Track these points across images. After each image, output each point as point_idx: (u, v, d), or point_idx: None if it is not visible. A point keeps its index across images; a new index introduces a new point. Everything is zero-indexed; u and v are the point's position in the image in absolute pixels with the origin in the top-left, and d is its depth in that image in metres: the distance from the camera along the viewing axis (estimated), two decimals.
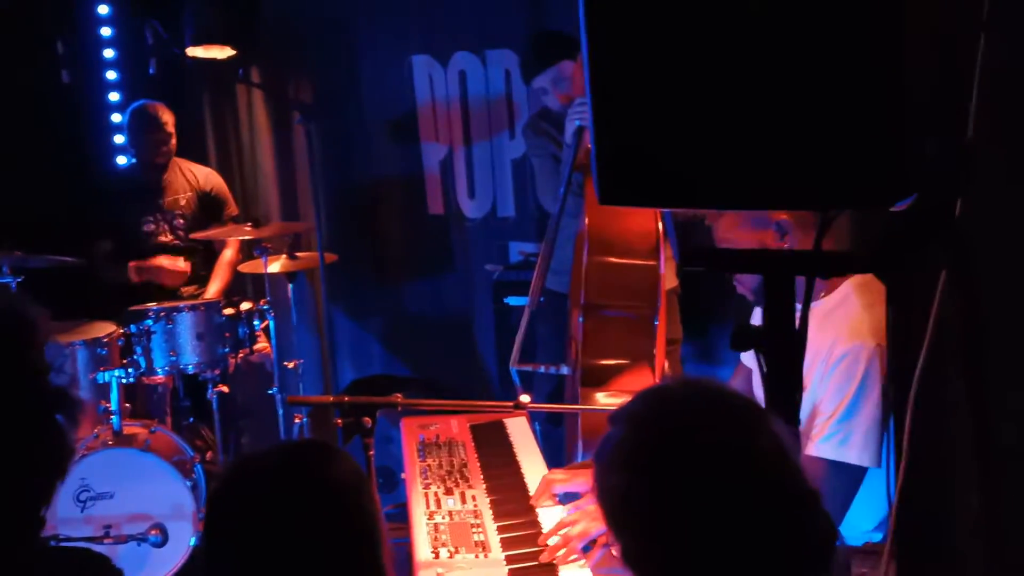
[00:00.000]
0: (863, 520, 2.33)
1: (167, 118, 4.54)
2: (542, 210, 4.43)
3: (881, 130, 1.37)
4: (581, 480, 2.39)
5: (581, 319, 3.00)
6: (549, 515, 2.34)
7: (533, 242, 4.69)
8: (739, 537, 1.21)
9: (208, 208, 4.70)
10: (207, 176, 4.76)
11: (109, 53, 5.15)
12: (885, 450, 2.28)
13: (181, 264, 4.51)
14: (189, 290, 4.67)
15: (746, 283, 2.39)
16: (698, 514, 1.22)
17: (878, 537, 2.33)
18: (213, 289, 4.59)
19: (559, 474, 2.46)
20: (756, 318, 2.52)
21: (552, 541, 2.17)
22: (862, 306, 2.23)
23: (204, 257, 4.76)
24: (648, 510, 1.25)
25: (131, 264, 4.50)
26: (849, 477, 2.17)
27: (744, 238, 2.28)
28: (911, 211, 1.43)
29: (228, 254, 4.69)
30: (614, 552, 1.31)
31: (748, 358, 2.68)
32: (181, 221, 4.61)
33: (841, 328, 2.21)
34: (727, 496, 1.22)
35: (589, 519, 2.18)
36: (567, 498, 2.39)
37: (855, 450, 2.16)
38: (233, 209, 4.80)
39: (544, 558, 2.14)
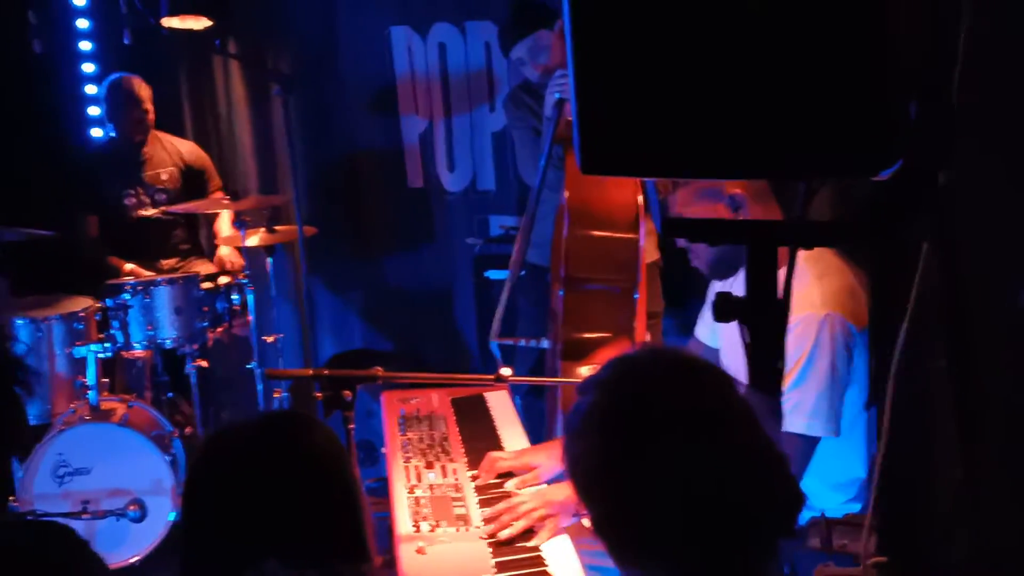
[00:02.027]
0: (838, 492, 2.34)
1: (144, 93, 4.48)
2: (522, 183, 4.41)
3: (866, 98, 1.36)
4: (527, 459, 2.40)
5: (561, 292, 2.99)
6: (528, 491, 2.33)
7: (514, 215, 4.67)
8: (708, 501, 1.21)
9: (192, 182, 4.65)
10: (190, 150, 4.72)
11: (83, 23, 5.06)
12: (865, 422, 2.29)
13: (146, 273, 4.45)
14: (169, 263, 4.63)
15: (701, 256, 2.39)
16: (667, 479, 1.22)
17: (855, 508, 2.34)
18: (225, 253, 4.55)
19: (503, 454, 2.45)
20: (712, 293, 2.53)
21: (507, 517, 2.17)
22: (813, 276, 2.24)
23: (185, 230, 4.72)
24: (618, 476, 1.25)
25: (111, 259, 4.46)
26: (798, 446, 2.18)
27: (698, 212, 2.27)
28: (894, 180, 1.42)
29: (226, 229, 4.62)
30: (585, 523, 1.31)
31: (704, 334, 2.68)
32: (163, 196, 4.56)
33: (792, 298, 2.21)
34: (696, 461, 1.22)
35: (538, 501, 2.18)
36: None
37: (803, 418, 2.17)
38: (217, 182, 4.75)
39: (490, 528, 2.15)
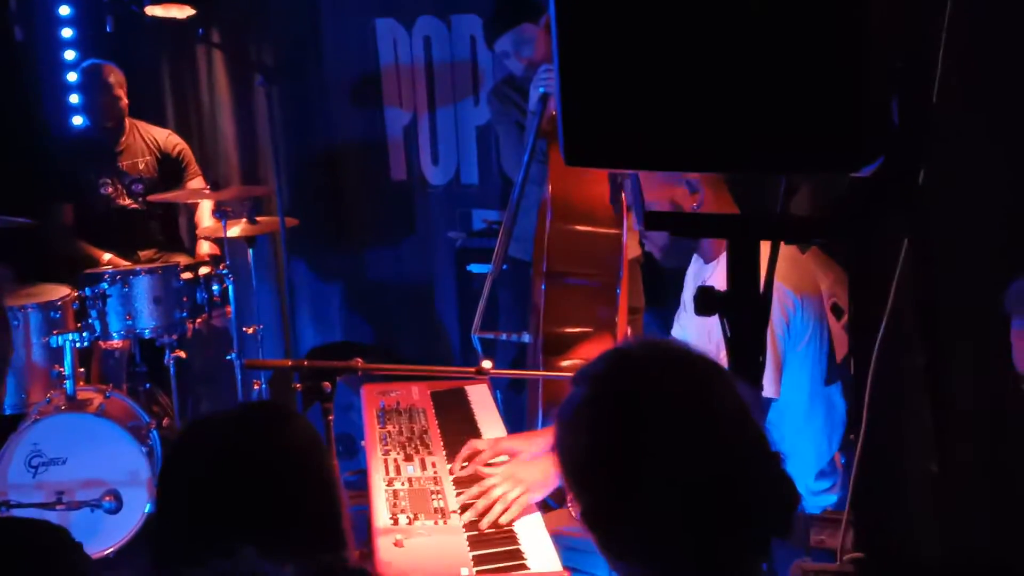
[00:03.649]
0: (802, 475, 2.35)
1: (114, 79, 4.44)
2: (506, 177, 4.41)
3: (846, 95, 1.37)
4: (505, 446, 2.40)
5: (543, 287, 2.99)
6: (496, 469, 2.33)
7: (496, 210, 4.67)
8: (703, 497, 1.20)
9: (169, 171, 4.62)
10: (167, 138, 4.68)
11: (64, 10, 5.02)
12: (832, 411, 2.31)
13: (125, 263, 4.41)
14: (147, 254, 4.59)
15: (656, 241, 2.42)
16: (657, 474, 1.21)
17: (831, 500, 2.35)
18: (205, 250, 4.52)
19: (482, 442, 2.45)
20: (686, 292, 2.54)
21: (482, 504, 2.18)
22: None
23: (163, 221, 4.69)
24: (611, 469, 1.23)
25: (81, 244, 4.44)
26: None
27: (656, 195, 2.30)
28: (875, 177, 1.42)
29: (206, 219, 4.58)
30: (573, 514, 1.30)
31: (678, 333, 2.69)
32: (140, 186, 4.53)
33: None
34: (692, 455, 1.20)
35: (510, 482, 2.19)
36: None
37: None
38: (195, 169, 4.71)
39: (469, 516, 2.15)
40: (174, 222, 4.83)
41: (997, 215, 1.77)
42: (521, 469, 2.26)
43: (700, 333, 2.33)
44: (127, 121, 4.55)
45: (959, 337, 1.87)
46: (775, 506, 1.23)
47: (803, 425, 2.29)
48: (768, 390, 2.21)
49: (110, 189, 4.49)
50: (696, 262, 2.49)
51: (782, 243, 2.28)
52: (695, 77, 1.39)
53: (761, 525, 1.23)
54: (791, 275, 2.26)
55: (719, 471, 1.20)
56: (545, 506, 2.31)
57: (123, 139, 4.53)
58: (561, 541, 2.10)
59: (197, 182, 4.64)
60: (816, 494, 2.39)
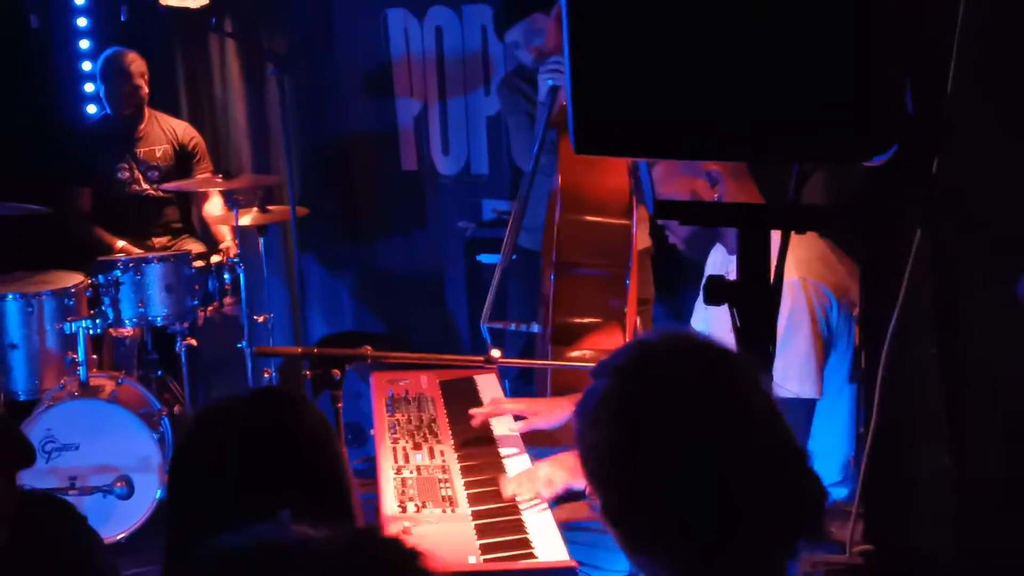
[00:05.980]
0: (825, 473, 2.35)
1: (136, 68, 4.46)
2: (516, 168, 4.41)
3: (859, 84, 1.36)
4: (525, 407, 2.46)
5: (553, 277, 3.00)
6: (517, 469, 2.34)
7: (506, 200, 4.66)
8: (729, 495, 1.16)
9: (184, 162, 4.64)
10: (185, 130, 4.71)
11: None
12: (854, 409, 2.30)
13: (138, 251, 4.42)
14: (161, 241, 4.62)
15: (678, 233, 2.40)
16: (687, 470, 1.17)
17: (843, 492, 2.35)
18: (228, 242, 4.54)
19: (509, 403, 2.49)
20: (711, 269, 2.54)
21: (511, 489, 2.20)
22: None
23: (178, 209, 4.70)
24: (635, 465, 1.20)
25: (97, 229, 4.46)
26: (798, 411, 2.18)
27: (677, 188, 2.29)
28: (888, 167, 1.41)
29: (216, 212, 4.59)
30: (594, 508, 1.27)
31: (699, 321, 2.69)
32: (156, 173, 4.55)
33: None
34: (718, 451, 1.17)
35: (553, 465, 2.21)
36: (540, 454, 2.40)
37: (794, 383, 2.19)
38: (207, 164, 4.73)
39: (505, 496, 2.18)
40: (188, 210, 4.85)
41: (1012, 205, 1.76)
42: (566, 455, 2.24)
43: (723, 323, 2.32)
44: (146, 109, 4.58)
45: (972, 329, 1.87)
46: (804, 504, 1.19)
47: (828, 422, 2.28)
48: (810, 390, 2.20)
49: (127, 174, 4.52)
50: (718, 252, 2.48)
51: (812, 241, 2.28)
52: (705, 65, 1.39)
53: (789, 524, 1.19)
54: (828, 275, 2.24)
55: (739, 474, 1.16)
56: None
57: (141, 127, 4.56)
58: (571, 534, 2.11)
59: (207, 176, 4.66)
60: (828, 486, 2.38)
